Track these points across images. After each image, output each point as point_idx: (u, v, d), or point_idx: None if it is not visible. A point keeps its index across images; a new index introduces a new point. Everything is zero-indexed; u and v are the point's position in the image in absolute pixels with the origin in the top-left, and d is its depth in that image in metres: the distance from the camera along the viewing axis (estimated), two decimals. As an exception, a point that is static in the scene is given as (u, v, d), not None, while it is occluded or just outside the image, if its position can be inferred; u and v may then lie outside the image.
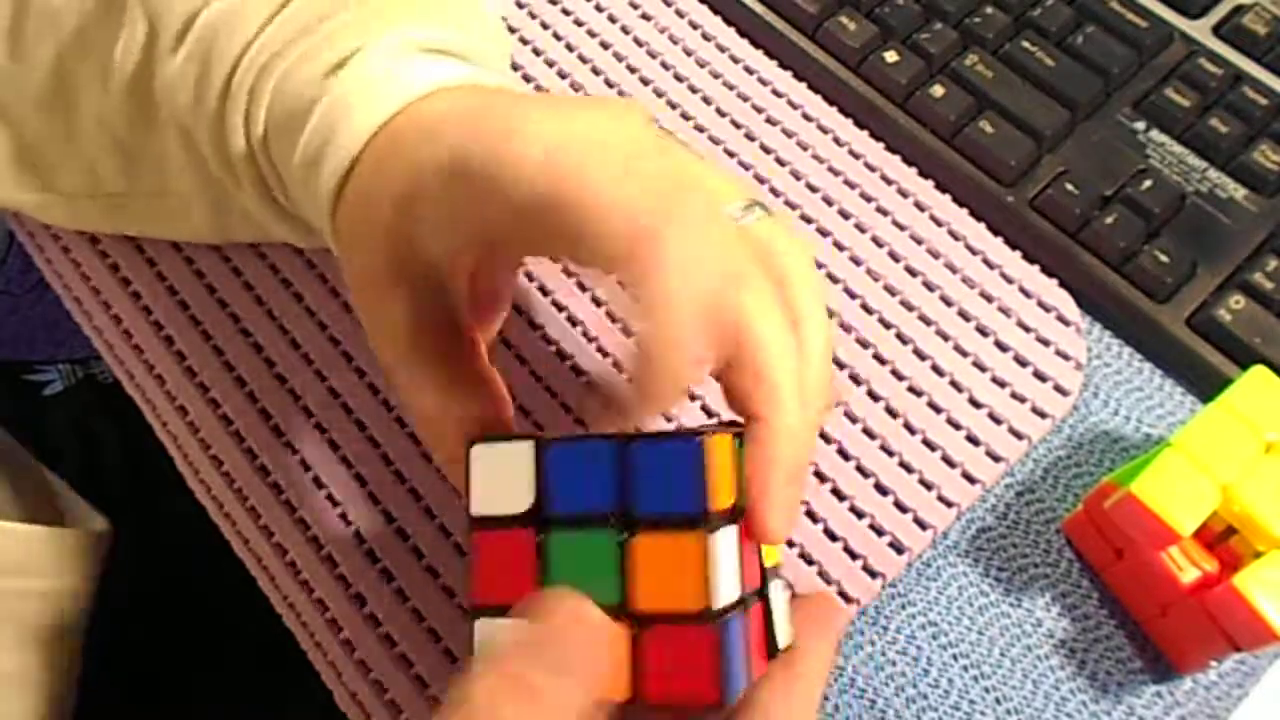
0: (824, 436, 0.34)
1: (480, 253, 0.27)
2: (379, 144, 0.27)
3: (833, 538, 0.33)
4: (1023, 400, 0.35)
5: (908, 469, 0.34)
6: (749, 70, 0.42)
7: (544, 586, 0.23)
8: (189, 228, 0.37)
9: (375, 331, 0.28)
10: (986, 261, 0.37)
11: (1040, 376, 0.35)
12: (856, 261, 0.38)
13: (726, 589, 0.22)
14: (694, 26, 0.44)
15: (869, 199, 0.39)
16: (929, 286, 0.37)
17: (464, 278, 0.28)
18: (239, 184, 0.32)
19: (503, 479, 0.24)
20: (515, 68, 0.43)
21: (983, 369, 0.35)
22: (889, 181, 0.39)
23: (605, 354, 0.36)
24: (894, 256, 0.38)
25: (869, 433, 0.35)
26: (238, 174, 0.31)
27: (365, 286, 0.28)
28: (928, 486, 0.34)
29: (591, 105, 0.26)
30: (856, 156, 0.40)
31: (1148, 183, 0.37)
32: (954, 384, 0.35)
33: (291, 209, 0.32)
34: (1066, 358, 0.36)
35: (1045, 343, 0.36)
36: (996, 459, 0.34)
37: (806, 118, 0.41)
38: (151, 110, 0.33)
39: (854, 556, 0.33)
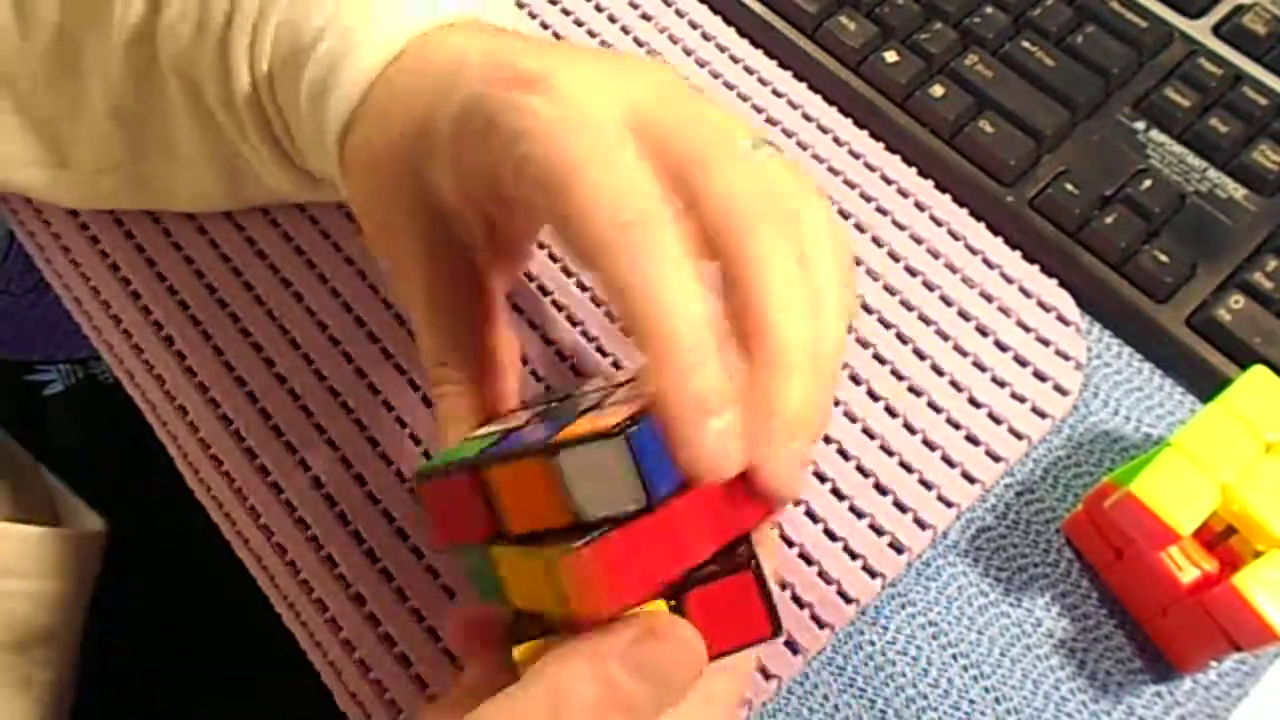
0: (824, 436, 0.34)
1: (493, 206, 0.27)
2: (384, 85, 0.27)
3: (833, 538, 0.33)
4: (1023, 400, 0.35)
5: (908, 469, 0.34)
6: (749, 70, 0.42)
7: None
8: (201, 195, 0.37)
9: (395, 274, 0.28)
10: (986, 261, 0.37)
11: (1040, 376, 0.35)
12: (856, 261, 0.38)
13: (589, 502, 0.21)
14: (694, 26, 0.44)
15: (869, 199, 0.39)
16: (929, 286, 0.37)
17: (480, 225, 0.27)
18: (243, 130, 0.31)
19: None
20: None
21: (983, 369, 0.35)
22: (889, 181, 0.39)
23: (605, 354, 0.36)
24: (894, 256, 0.38)
25: (869, 432, 0.35)
26: (241, 117, 0.31)
27: (380, 230, 0.28)
28: (928, 486, 0.34)
29: (606, 60, 0.25)
30: (856, 156, 0.40)
31: (1148, 183, 0.37)
32: (954, 384, 0.35)
33: (297, 157, 0.32)
34: (1066, 358, 0.36)
35: (1045, 342, 0.36)
36: (996, 459, 0.34)
37: (806, 118, 0.41)
38: (154, 66, 0.33)
39: (854, 556, 0.33)
